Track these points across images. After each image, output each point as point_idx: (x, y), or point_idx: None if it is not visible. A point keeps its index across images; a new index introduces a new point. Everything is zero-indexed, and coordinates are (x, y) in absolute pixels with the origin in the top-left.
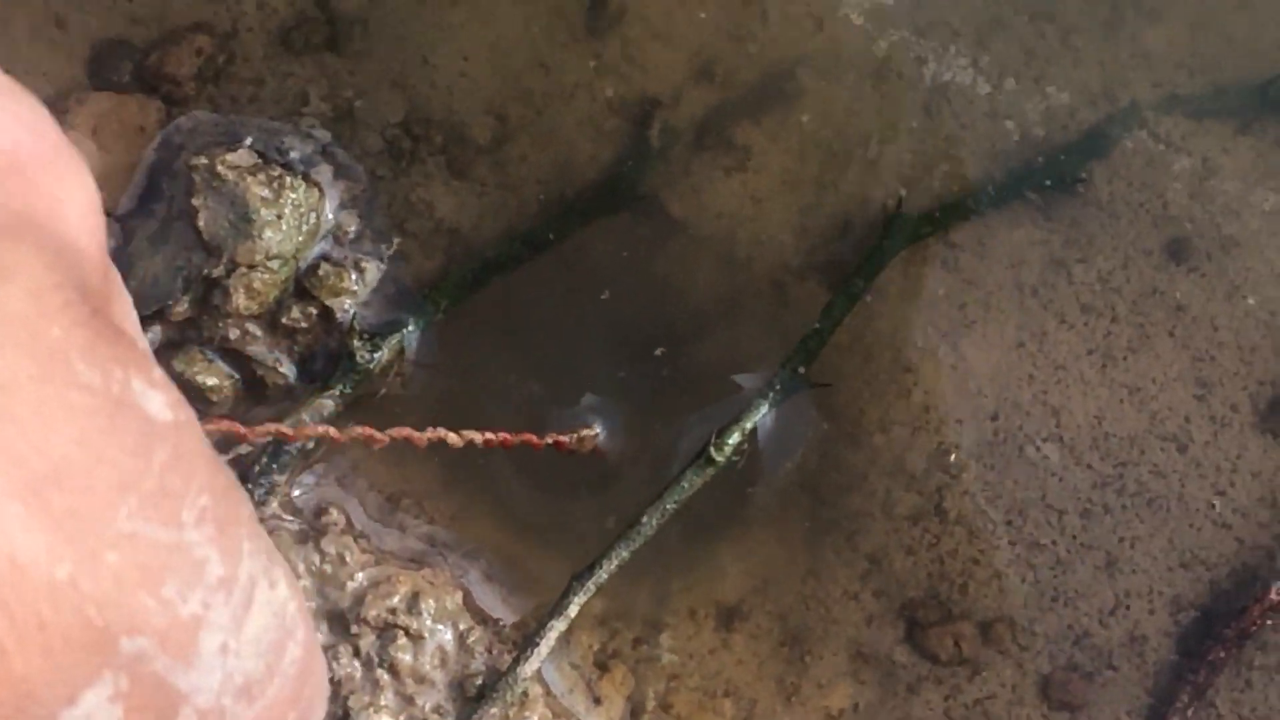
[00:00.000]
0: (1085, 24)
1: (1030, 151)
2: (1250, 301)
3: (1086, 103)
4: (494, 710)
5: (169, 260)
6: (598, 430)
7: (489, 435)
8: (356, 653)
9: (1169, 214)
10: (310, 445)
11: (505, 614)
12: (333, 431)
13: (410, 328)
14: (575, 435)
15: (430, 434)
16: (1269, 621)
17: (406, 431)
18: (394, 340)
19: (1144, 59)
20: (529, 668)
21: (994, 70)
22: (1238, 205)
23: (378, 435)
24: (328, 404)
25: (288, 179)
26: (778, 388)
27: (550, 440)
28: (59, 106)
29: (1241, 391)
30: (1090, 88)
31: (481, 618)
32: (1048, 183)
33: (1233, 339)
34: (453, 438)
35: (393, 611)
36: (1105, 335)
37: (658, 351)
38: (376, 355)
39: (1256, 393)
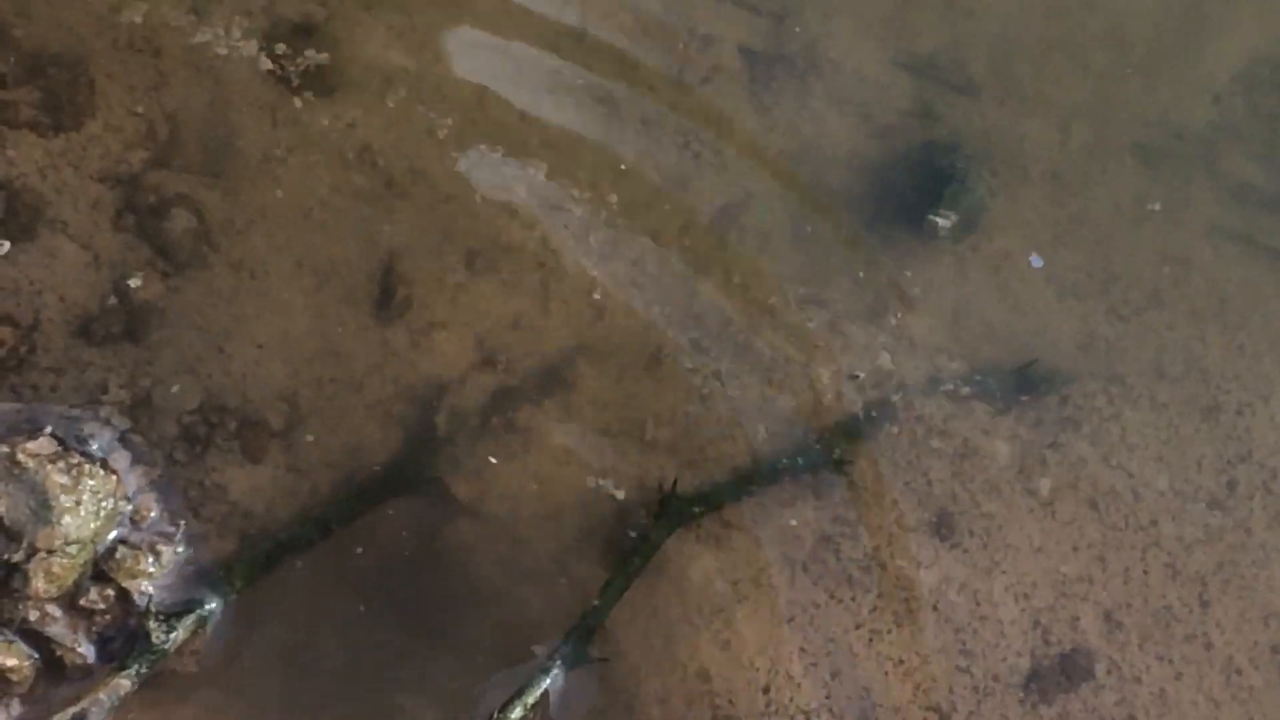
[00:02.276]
0: (851, 310)
1: (800, 434)
2: (1009, 576)
3: (854, 387)
4: None
5: None
6: None
7: None
8: None
9: (932, 492)
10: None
11: None
12: None
13: (207, 607)
14: None
15: None
16: None
17: None
18: (190, 620)
19: (908, 344)
20: None
21: (766, 354)
22: (997, 483)
23: None
24: (124, 684)
25: (86, 466)
26: (559, 663)
27: None
28: None
29: (1002, 663)
30: (857, 372)
31: None
32: (816, 464)
33: (993, 612)
34: None
35: None
36: (872, 610)
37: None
38: (172, 635)
39: (1016, 664)
